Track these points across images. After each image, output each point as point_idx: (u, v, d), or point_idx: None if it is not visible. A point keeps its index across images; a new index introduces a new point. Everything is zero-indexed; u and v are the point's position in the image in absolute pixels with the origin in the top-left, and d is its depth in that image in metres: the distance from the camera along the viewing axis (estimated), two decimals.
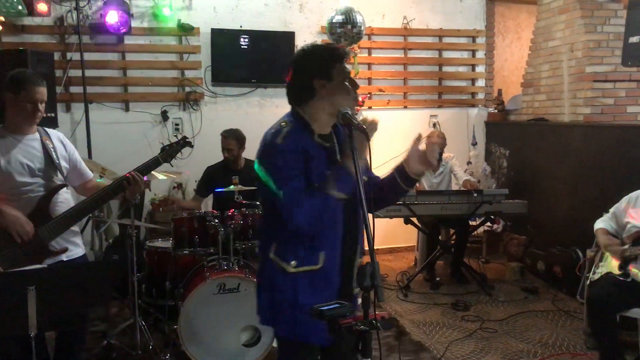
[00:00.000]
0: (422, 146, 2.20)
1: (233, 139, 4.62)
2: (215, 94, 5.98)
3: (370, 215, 1.86)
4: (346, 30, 5.35)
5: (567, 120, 5.70)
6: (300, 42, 6.13)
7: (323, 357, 2.31)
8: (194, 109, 5.90)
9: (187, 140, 3.28)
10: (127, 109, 5.74)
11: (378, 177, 2.30)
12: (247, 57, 5.90)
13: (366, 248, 1.95)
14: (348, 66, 2.21)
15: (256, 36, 5.93)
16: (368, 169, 2.16)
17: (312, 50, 2.19)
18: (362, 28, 5.51)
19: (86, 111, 5.37)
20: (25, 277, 2.42)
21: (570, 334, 4.25)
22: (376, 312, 1.77)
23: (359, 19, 5.53)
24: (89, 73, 5.45)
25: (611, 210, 3.82)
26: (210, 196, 4.84)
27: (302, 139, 2.10)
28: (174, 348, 3.79)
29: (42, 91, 2.86)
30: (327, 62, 2.11)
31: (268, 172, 2.10)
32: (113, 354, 3.82)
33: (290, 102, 2.25)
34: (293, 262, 2.10)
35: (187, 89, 5.87)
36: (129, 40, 5.67)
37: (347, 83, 2.12)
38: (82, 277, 2.53)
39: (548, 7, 6.00)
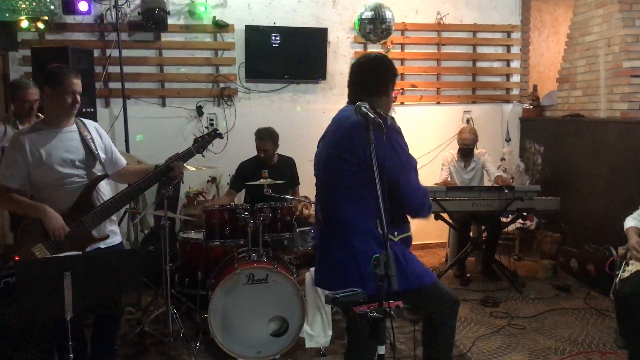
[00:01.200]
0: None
1: (269, 140, 4.72)
2: (249, 90, 6.08)
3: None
4: (375, 26, 5.37)
5: (603, 116, 5.60)
6: (333, 38, 6.20)
7: None
8: (228, 105, 6.02)
9: (217, 132, 3.39)
10: (163, 105, 5.90)
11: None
12: (280, 54, 5.98)
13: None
14: None
15: (289, 32, 6.00)
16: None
17: (388, 61, 2.72)
18: (392, 24, 5.52)
19: (124, 106, 5.54)
20: (62, 263, 2.55)
21: (600, 332, 4.20)
22: (390, 301, 1.83)
23: (388, 14, 5.55)
24: (127, 69, 5.62)
25: None
26: (243, 191, 4.96)
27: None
28: (204, 336, 3.90)
29: (78, 82, 3.00)
30: (393, 77, 2.69)
31: (396, 152, 2.46)
32: (146, 340, 3.95)
33: (357, 94, 2.60)
34: (395, 233, 2.54)
35: (222, 85, 5.99)
36: (165, 37, 5.83)
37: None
38: (115, 264, 2.65)
39: (585, 1, 5.89)
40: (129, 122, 5.59)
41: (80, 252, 2.85)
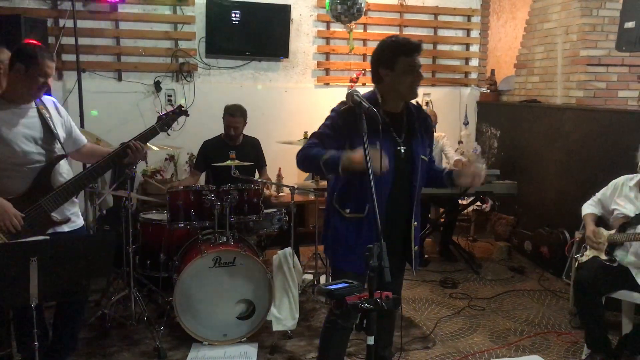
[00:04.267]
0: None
1: (240, 116, 4.65)
2: (209, 66, 5.93)
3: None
4: (347, 7, 5.31)
5: (560, 102, 5.75)
6: (296, 15, 6.10)
7: None
8: (187, 81, 5.86)
9: (182, 109, 3.28)
10: (119, 79, 5.68)
11: (434, 164, 2.92)
12: (241, 29, 5.84)
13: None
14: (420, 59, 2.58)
15: (251, 8, 5.86)
16: (429, 151, 2.78)
17: (382, 44, 2.61)
18: (363, 5, 5.47)
19: (79, 80, 5.30)
20: (28, 248, 2.43)
21: (555, 313, 4.36)
22: (382, 292, 1.83)
23: None
24: (82, 41, 5.36)
25: (597, 196, 3.84)
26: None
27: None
28: (168, 319, 3.83)
29: (53, 66, 2.87)
30: (392, 55, 2.54)
31: None
32: (107, 324, 3.84)
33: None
34: (347, 210, 2.64)
35: (181, 60, 5.82)
36: (122, 9, 5.59)
37: (408, 74, 2.53)
38: (84, 249, 2.54)
39: None
40: (83, 96, 5.36)
41: (47, 237, 2.71)
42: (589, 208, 3.87)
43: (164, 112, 3.24)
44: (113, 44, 5.63)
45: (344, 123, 2.54)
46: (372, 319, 1.81)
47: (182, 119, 3.30)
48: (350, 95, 2.27)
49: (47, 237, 2.73)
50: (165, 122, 3.18)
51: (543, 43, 6.04)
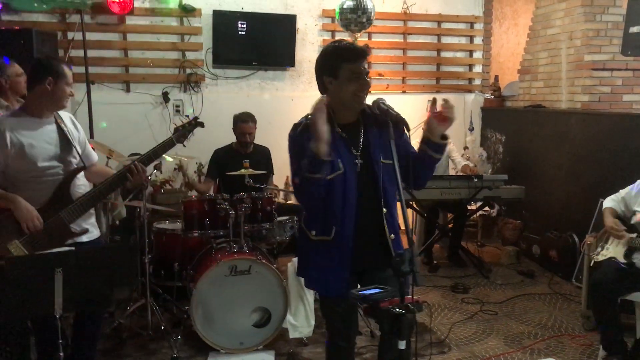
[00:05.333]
0: (438, 108, 2.35)
1: (251, 122, 4.70)
2: (216, 76, 5.97)
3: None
4: (356, 16, 5.36)
5: (565, 107, 5.80)
6: (301, 25, 6.15)
7: None
8: (194, 91, 5.90)
9: (198, 120, 3.31)
10: (128, 90, 5.72)
11: (414, 154, 2.49)
12: (248, 40, 5.89)
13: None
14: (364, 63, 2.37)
15: (257, 18, 5.92)
16: (409, 147, 2.49)
17: (325, 50, 2.43)
18: (372, 14, 5.53)
19: (88, 92, 5.34)
20: (53, 259, 2.46)
21: (567, 316, 4.38)
22: (411, 297, 1.86)
23: (369, 5, 5.56)
24: (90, 53, 5.41)
25: (622, 193, 3.74)
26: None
27: None
28: (184, 329, 3.84)
29: (70, 82, 2.93)
30: (334, 62, 2.34)
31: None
32: (123, 334, 3.86)
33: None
34: (313, 232, 2.48)
35: (188, 70, 5.86)
36: (130, 21, 5.64)
37: (352, 82, 2.32)
38: (109, 259, 2.57)
39: None
40: (92, 108, 5.39)
41: (72, 248, 2.74)
42: (610, 202, 3.77)
43: (180, 124, 3.28)
44: (121, 56, 5.68)
45: (305, 142, 2.28)
46: (403, 324, 1.83)
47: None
48: (376, 103, 2.26)
49: (72, 248, 2.74)
50: (181, 134, 3.22)
51: (547, 49, 6.10)
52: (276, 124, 6.02)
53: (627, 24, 4.79)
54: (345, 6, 5.59)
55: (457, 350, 3.82)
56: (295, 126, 2.43)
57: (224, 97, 5.95)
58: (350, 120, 2.44)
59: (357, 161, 2.40)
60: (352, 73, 2.31)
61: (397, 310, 1.82)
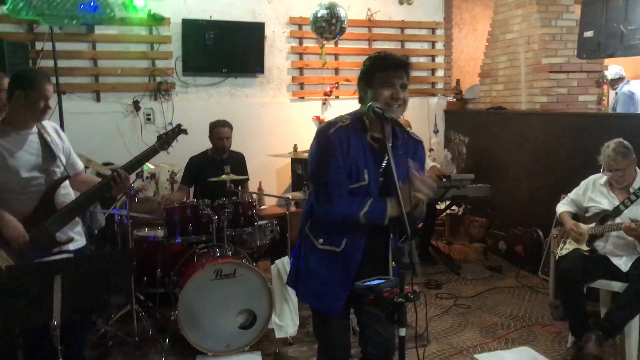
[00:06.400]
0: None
1: (229, 127, 4.78)
2: (187, 84, 6.01)
3: None
4: (330, 24, 5.51)
5: (525, 108, 6.08)
6: (269, 32, 6.25)
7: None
8: (165, 99, 5.92)
9: (182, 128, 3.38)
10: (98, 99, 5.71)
11: None
12: (217, 47, 5.95)
13: None
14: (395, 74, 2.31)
15: (226, 27, 5.99)
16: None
17: (366, 60, 2.40)
18: (345, 22, 5.69)
19: (59, 102, 5.28)
20: (52, 266, 2.49)
21: (536, 307, 4.61)
22: (408, 287, 2.00)
23: (342, 13, 5.74)
24: (60, 64, 5.36)
25: (570, 196, 4.09)
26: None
27: (352, 136, 2.31)
28: (170, 334, 3.89)
29: (51, 89, 2.93)
30: (370, 70, 2.34)
31: (310, 156, 2.38)
32: (109, 342, 3.87)
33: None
34: (320, 240, 2.38)
35: (159, 79, 5.88)
36: (99, 30, 5.63)
37: (384, 89, 2.29)
38: (105, 265, 2.61)
39: (505, 1, 6.35)
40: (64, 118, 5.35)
41: (71, 255, 2.77)
42: (563, 207, 4.12)
43: (163, 132, 3.34)
44: (91, 65, 5.66)
45: (341, 142, 2.29)
46: (403, 312, 1.97)
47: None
48: (371, 108, 2.31)
49: (71, 255, 2.78)
50: (165, 141, 3.28)
51: (506, 53, 6.37)
52: (247, 130, 6.11)
53: (581, 29, 5.09)
54: (319, 15, 5.74)
55: (436, 342, 3.98)
56: (329, 125, 2.36)
57: (195, 104, 6.00)
58: (378, 134, 2.34)
59: (380, 178, 2.35)
60: (384, 81, 2.29)
61: (399, 299, 1.95)
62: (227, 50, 6.01)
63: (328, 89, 6.48)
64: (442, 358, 3.78)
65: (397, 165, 2.21)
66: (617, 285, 3.66)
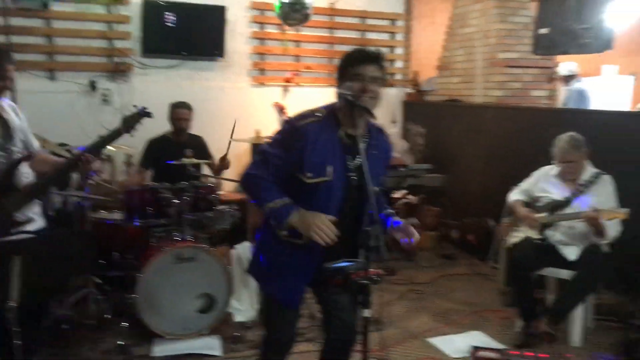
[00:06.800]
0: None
1: (186, 108, 4.74)
2: (146, 66, 5.91)
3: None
4: (295, 10, 5.51)
5: (480, 101, 6.24)
6: (231, 16, 6.19)
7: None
8: (123, 80, 5.81)
9: (146, 110, 3.34)
10: (52, 78, 5.55)
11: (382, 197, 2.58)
12: (177, 29, 5.87)
13: None
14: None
15: (187, 8, 5.91)
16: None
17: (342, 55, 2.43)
18: (310, 9, 5.70)
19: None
20: (11, 246, 2.45)
21: (487, 293, 4.78)
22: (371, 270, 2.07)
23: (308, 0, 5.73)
24: (13, 40, 5.21)
25: (522, 186, 4.25)
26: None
27: (323, 131, 2.35)
28: (128, 317, 3.85)
29: (12, 69, 2.87)
30: (342, 65, 2.39)
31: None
32: (65, 325, 3.80)
33: None
34: (284, 232, 2.34)
35: (116, 59, 5.77)
36: (55, 7, 5.47)
37: (352, 83, 2.32)
38: (67, 247, 2.58)
39: None
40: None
41: (32, 235, 2.72)
42: (515, 196, 4.27)
43: (128, 113, 3.29)
44: (45, 43, 5.50)
45: (307, 136, 2.31)
46: (368, 294, 2.03)
47: (117, 118, 3.33)
48: (342, 95, 2.32)
49: (31, 235, 2.72)
50: (129, 124, 3.24)
51: (463, 46, 6.52)
52: (206, 115, 6.04)
53: (537, 26, 5.26)
54: (285, 0, 5.73)
55: (392, 327, 4.09)
56: (302, 116, 2.37)
57: (153, 86, 5.90)
58: (354, 132, 2.36)
59: (350, 174, 2.37)
60: (354, 74, 2.32)
61: (364, 281, 2.01)
62: (188, 33, 5.94)
63: (289, 76, 6.48)
64: (397, 342, 3.88)
65: (370, 166, 2.27)
66: (564, 273, 3.84)
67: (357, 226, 2.35)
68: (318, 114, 2.36)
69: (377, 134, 2.47)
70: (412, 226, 2.47)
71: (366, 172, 2.22)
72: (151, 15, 5.77)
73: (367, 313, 2.08)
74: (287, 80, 6.51)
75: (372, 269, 2.06)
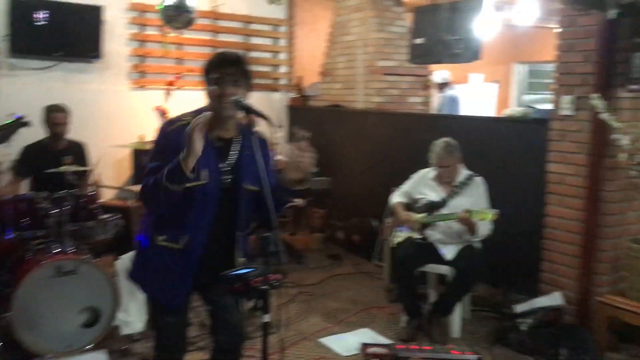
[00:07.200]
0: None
1: (62, 111, 4.50)
2: (14, 66, 5.51)
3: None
4: (179, 13, 5.39)
5: (361, 107, 6.48)
6: (110, 17, 5.94)
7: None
8: None
9: (24, 120, 3.15)
10: None
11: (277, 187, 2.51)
12: (49, 29, 5.52)
13: None
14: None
15: (59, 7, 5.58)
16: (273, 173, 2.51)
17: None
18: (194, 12, 5.60)
19: None
20: None
21: (372, 291, 4.98)
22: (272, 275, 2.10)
23: (190, 3, 5.63)
24: None
25: (403, 188, 4.47)
26: None
27: None
28: (3, 337, 3.58)
29: None
30: (206, 68, 2.37)
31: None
32: None
33: None
34: (162, 237, 2.40)
35: None
36: None
37: (214, 86, 2.32)
38: None
39: (345, 5, 6.70)
40: None
41: None
42: (397, 198, 4.48)
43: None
44: None
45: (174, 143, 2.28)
46: (268, 299, 2.06)
47: None
48: (235, 101, 2.33)
49: None
50: (4, 135, 3.04)
51: (344, 54, 6.74)
52: (84, 119, 5.76)
53: (413, 36, 5.55)
54: (167, 3, 5.59)
55: (284, 329, 4.13)
56: (171, 122, 2.39)
57: (23, 89, 5.51)
58: (226, 135, 2.42)
59: (225, 177, 2.39)
60: (216, 78, 2.32)
61: (264, 286, 2.03)
62: (61, 33, 5.60)
63: (171, 79, 6.34)
64: (289, 344, 3.94)
65: (245, 165, 2.37)
66: (444, 269, 4.10)
67: (234, 228, 2.43)
68: (187, 118, 2.34)
69: (250, 135, 2.48)
70: None
71: (241, 173, 2.33)
72: (19, 12, 5.38)
73: (267, 318, 2.10)
74: (170, 84, 6.36)
75: (271, 274, 2.08)
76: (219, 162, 2.39)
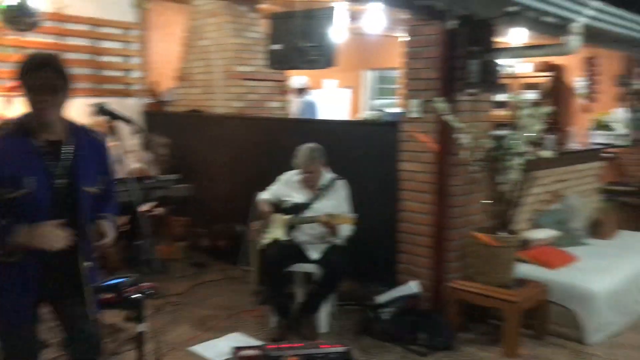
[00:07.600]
0: None
1: None
2: None
3: None
4: (22, 16, 4.99)
5: (221, 112, 6.47)
6: None
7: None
8: None
9: None
10: None
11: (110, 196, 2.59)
12: None
13: None
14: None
15: None
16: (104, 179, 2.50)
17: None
18: (38, 15, 5.23)
19: None
20: None
21: (240, 295, 5.00)
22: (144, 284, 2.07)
23: (34, 6, 5.27)
24: None
25: (272, 188, 4.56)
26: None
27: (13, 141, 2.27)
28: None
29: None
30: (21, 74, 2.26)
31: None
32: None
33: None
34: None
35: None
36: None
37: (30, 94, 2.25)
38: None
39: (199, 9, 6.66)
40: None
41: None
42: (265, 195, 4.54)
43: None
44: None
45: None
46: (142, 308, 2.03)
47: None
48: (99, 107, 2.26)
49: None
50: None
51: (201, 58, 6.69)
52: None
53: (270, 42, 5.64)
54: (8, 4, 5.17)
55: (150, 342, 4.00)
56: None
57: None
58: (54, 137, 2.34)
59: (56, 181, 2.31)
60: (32, 84, 2.23)
61: (137, 295, 2.00)
62: None
63: (12, 84, 5.86)
64: (158, 356, 3.83)
65: (82, 167, 2.34)
66: (310, 267, 4.24)
67: (75, 230, 2.32)
68: (5, 127, 2.28)
69: (83, 135, 2.44)
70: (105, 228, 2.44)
71: (78, 175, 2.31)
72: None
73: (142, 327, 2.06)
74: (9, 90, 5.88)
75: (144, 283, 2.04)
76: (47, 166, 2.30)
